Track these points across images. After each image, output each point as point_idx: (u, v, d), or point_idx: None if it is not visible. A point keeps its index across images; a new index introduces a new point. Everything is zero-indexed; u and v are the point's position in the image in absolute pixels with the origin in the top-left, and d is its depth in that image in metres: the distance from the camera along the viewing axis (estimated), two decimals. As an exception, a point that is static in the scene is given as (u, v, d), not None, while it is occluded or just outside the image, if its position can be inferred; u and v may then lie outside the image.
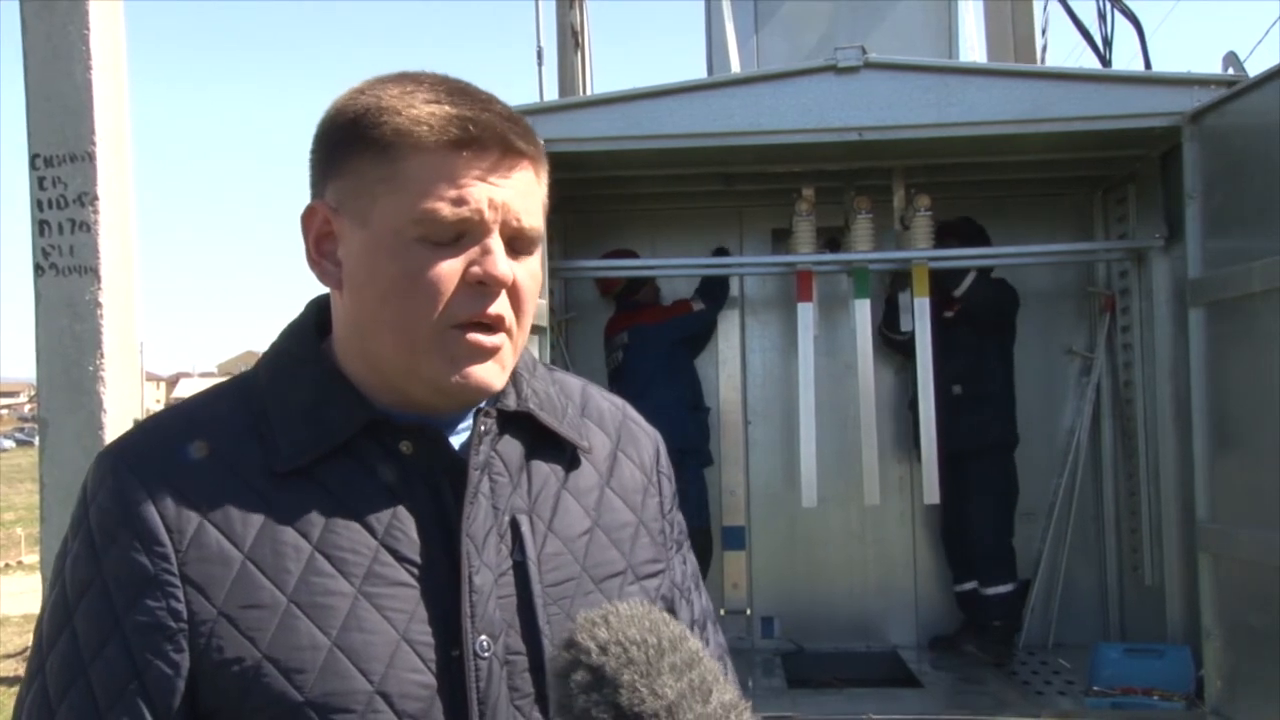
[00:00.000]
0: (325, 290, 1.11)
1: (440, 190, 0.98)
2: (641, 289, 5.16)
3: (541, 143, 1.07)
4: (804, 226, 4.58)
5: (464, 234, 1.00)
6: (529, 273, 1.05)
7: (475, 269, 1.00)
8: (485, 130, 0.99)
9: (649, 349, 4.98)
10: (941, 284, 4.67)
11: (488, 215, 1.00)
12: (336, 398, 1.04)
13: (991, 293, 4.78)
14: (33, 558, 14.46)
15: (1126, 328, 4.78)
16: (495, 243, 1.00)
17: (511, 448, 1.09)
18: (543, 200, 1.07)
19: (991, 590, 4.73)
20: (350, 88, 1.06)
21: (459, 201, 0.98)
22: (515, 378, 1.11)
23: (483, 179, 0.99)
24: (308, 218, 1.06)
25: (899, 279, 4.83)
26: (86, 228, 3.43)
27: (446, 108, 0.99)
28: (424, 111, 0.99)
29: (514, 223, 1.02)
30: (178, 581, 0.96)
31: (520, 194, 1.02)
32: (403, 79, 1.04)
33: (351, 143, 1.01)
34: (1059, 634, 4.86)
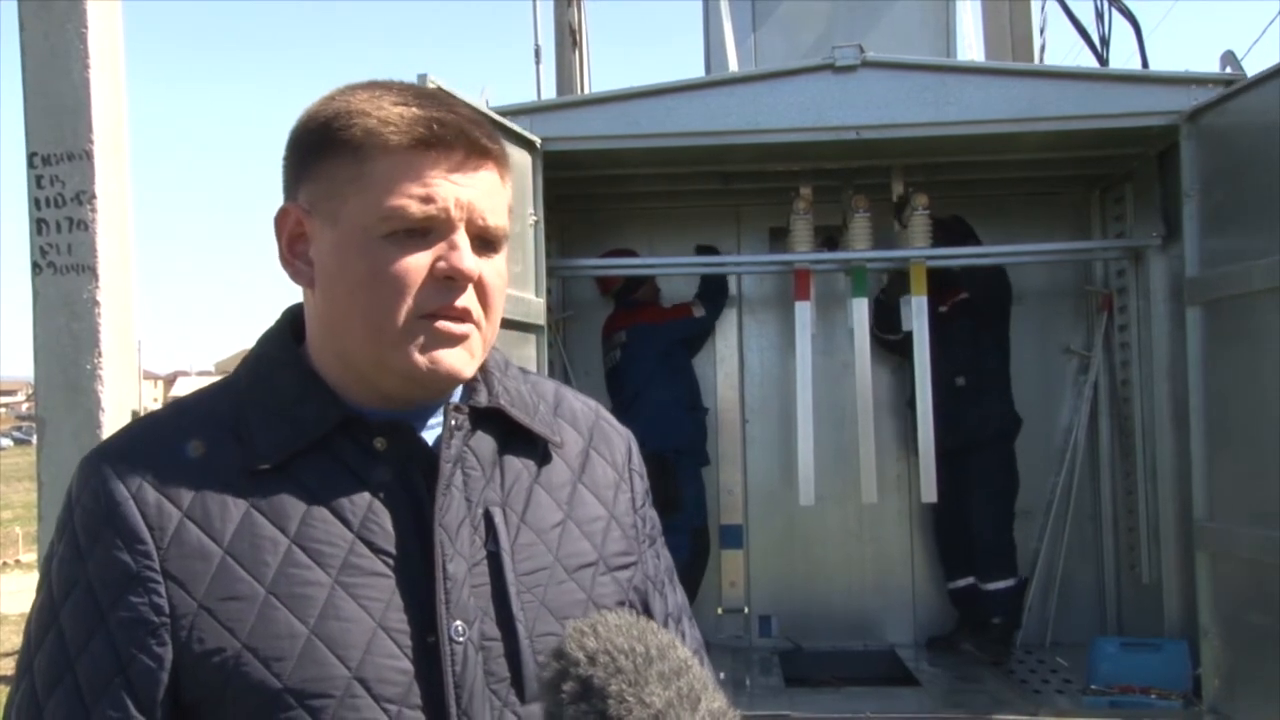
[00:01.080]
0: (299, 300, 1.15)
1: (408, 188, 1.02)
2: (640, 288, 5.16)
3: (504, 144, 1.11)
4: (802, 225, 4.59)
5: (431, 230, 1.03)
6: (495, 270, 1.08)
7: (442, 264, 1.03)
8: (451, 131, 1.04)
9: (647, 349, 4.98)
10: (943, 270, 4.65)
11: (454, 213, 1.03)
12: (311, 397, 1.08)
13: (989, 274, 4.77)
14: (31, 556, 14.47)
15: (1124, 326, 4.78)
16: (461, 238, 1.04)
17: (484, 443, 1.12)
18: (508, 202, 1.11)
19: (991, 586, 4.72)
20: (321, 96, 1.10)
21: (426, 199, 1.02)
22: (487, 376, 1.15)
23: (448, 178, 1.03)
24: (280, 219, 1.10)
25: (893, 284, 4.82)
26: (84, 226, 3.42)
27: (414, 109, 1.03)
28: (392, 113, 1.03)
29: (479, 221, 1.05)
30: (159, 577, 0.99)
31: (485, 194, 1.06)
32: (372, 85, 1.08)
33: (323, 146, 1.05)
34: (1057, 632, 4.86)
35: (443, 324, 1.04)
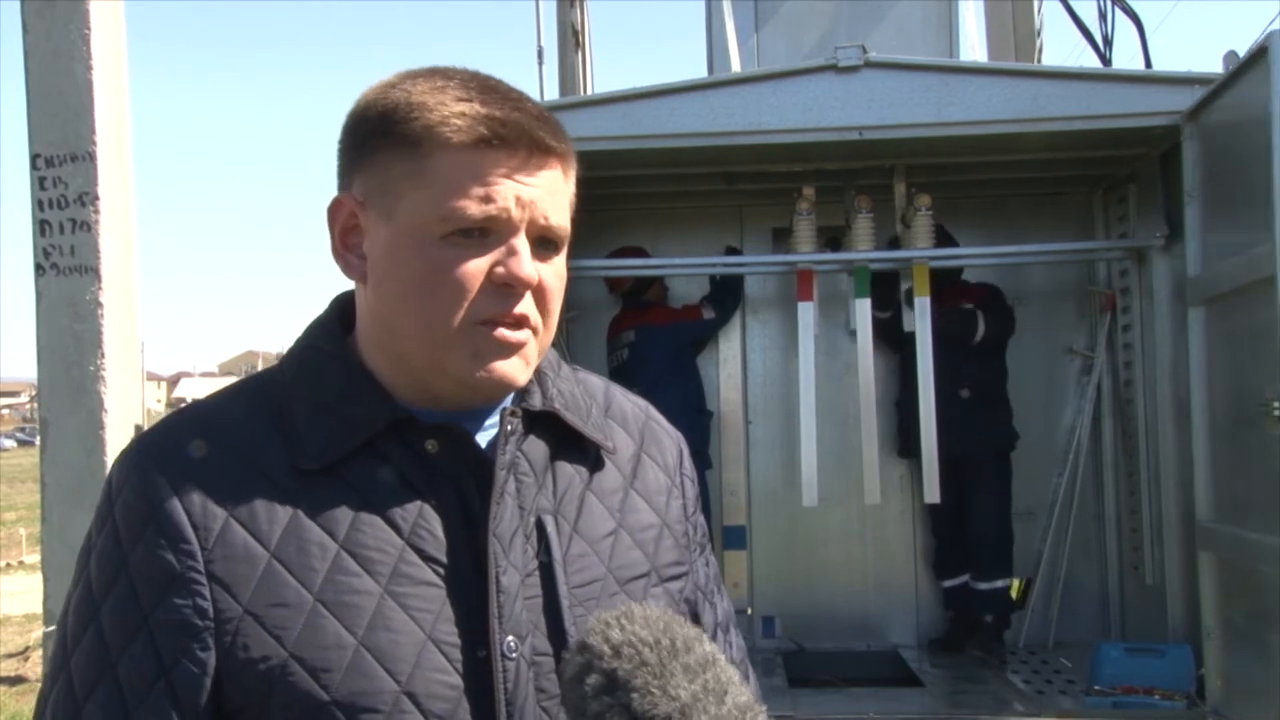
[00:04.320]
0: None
1: (468, 188, 0.98)
2: (649, 288, 5.16)
3: (569, 141, 1.06)
4: (804, 225, 4.58)
5: (491, 232, 1.00)
6: (555, 272, 1.05)
7: (500, 269, 0.99)
8: (514, 129, 0.99)
9: (656, 349, 4.97)
10: (957, 330, 4.65)
11: (515, 214, 0.99)
12: (361, 395, 1.04)
13: (1000, 322, 4.77)
14: (34, 558, 14.47)
15: (1127, 327, 4.78)
16: (521, 243, 1.00)
17: (536, 448, 1.09)
18: (570, 199, 1.07)
19: (985, 585, 4.73)
20: (380, 81, 1.05)
21: (486, 199, 0.98)
22: (540, 378, 1.11)
23: (510, 177, 0.99)
24: (334, 210, 1.06)
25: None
26: (87, 227, 3.43)
27: (477, 106, 0.99)
28: (454, 109, 0.99)
29: (541, 221, 1.01)
30: (204, 579, 0.95)
31: (548, 192, 1.02)
32: (433, 74, 1.03)
33: (380, 137, 1.01)
34: (1059, 633, 4.86)
35: (500, 332, 1.00)
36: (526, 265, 1.00)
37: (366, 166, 1.03)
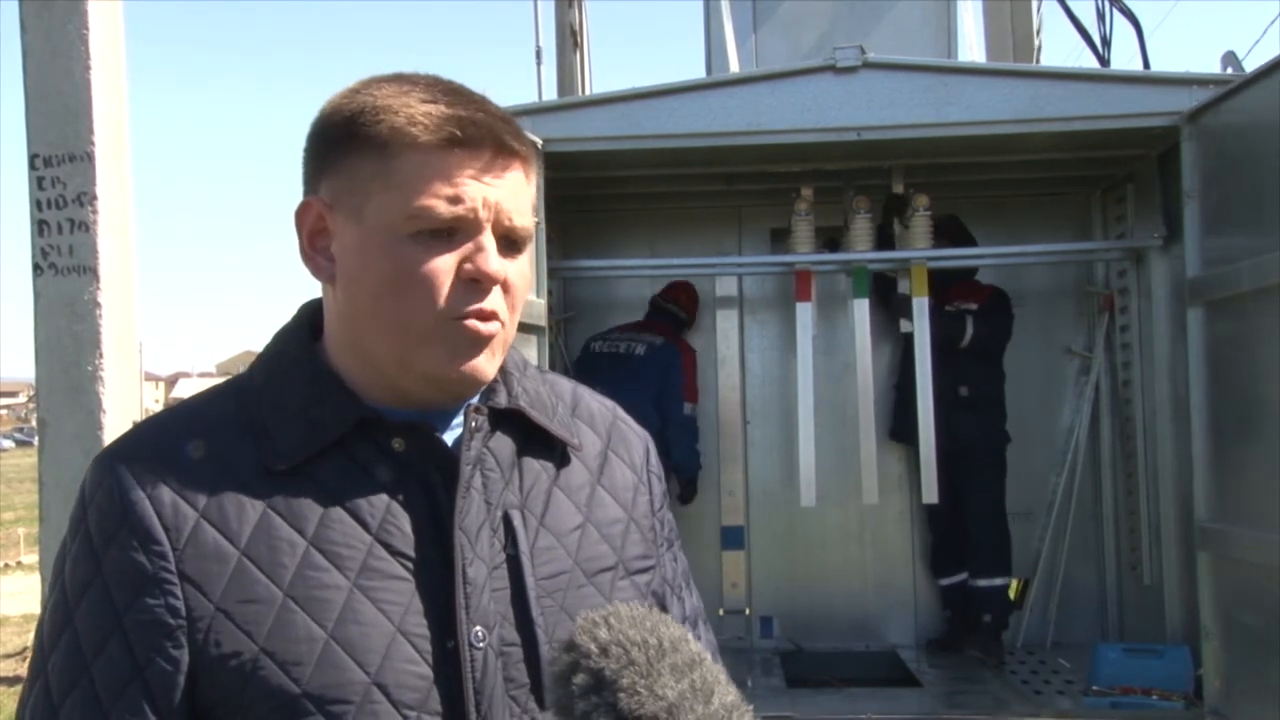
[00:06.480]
0: (318, 295, 1.13)
1: (435, 188, 1.00)
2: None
3: (531, 143, 1.09)
4: (803, 226, 4.58)
5: (457, 231, 1.02)
6: (519, 271, 1.07)
7: (468, 265, 1.02)
8: (480, 130, 1.01)
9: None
10: (947, 332, 4.63)
11: (481, 214, 1.02)
12: (329, 396, 1.06)
13: (991, 327, 4.76)
14: (32, 558, 14.46)
15: (1125, 327, 4.78)
16: (488, 240, 1.02)
17: (503, 445, 1.11)
18: (532, 200, 1.09)
19: (985, 583, 4.73)
20: (345, 87, 1.07)
21: (454, 200, 1.00)
22: (506, 376, 1.13)
23: (477, 178, 1.01)
24: (301, 213, 1.08)
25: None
26: (85, 227, 3.42)
27: (442, 107, 1.01)
28: (420, 110, 1.01)
29: (506, 222, 1.04)
30: (175, 579, 0.97)
31: (512, 194, 1.04)
32: (398, 79, 1.05)
33: (347, 140, 1.03)
34: (1058, 633, 4.86)
35: (472, 324, 1.02)
36: (494, 261, 1.02)
37: (333, 169, 1.05)
